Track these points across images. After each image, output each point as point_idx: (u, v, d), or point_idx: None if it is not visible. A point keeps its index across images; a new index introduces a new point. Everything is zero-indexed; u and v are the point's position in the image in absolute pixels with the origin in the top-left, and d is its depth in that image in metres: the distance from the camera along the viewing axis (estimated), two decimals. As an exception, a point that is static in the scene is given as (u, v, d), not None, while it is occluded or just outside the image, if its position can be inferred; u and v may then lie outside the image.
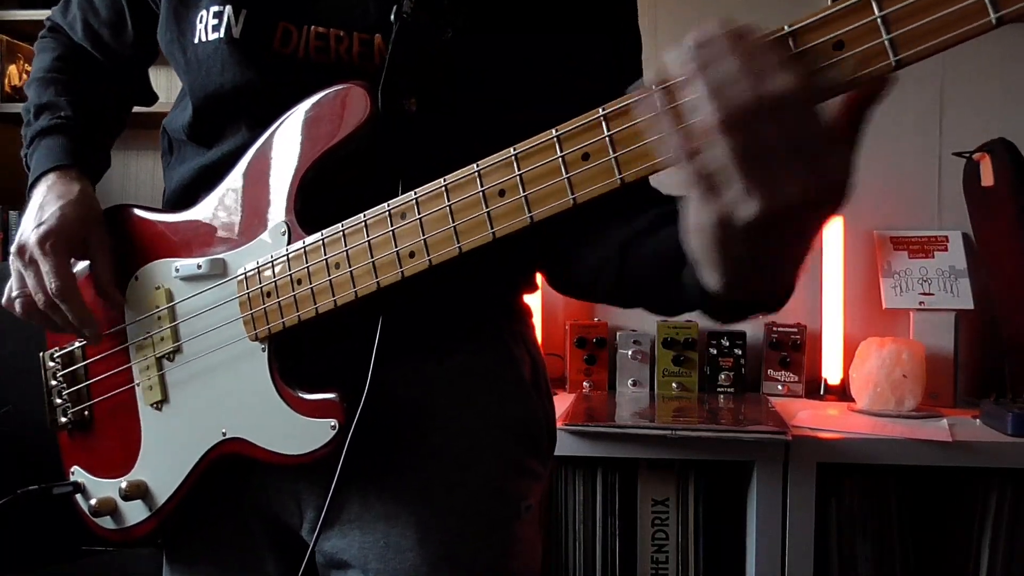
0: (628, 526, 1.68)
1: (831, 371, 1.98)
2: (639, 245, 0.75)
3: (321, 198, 0.76)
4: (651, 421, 1.65)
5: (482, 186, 0.66)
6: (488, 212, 0.66)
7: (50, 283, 0.82)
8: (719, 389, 1.98)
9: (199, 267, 0.81)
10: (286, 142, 0.77)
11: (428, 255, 0.69)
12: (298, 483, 0.82)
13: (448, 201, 0.67)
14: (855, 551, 1.63)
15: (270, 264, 0.77)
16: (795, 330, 1.97)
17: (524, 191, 0.64)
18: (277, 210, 0.77)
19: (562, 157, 0.62)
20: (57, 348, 0.95)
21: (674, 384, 1.97)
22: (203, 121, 0.84)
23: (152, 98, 1.08)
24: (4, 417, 1.43)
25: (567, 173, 0.62)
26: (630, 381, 1.99)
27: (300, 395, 0.76)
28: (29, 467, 1.45)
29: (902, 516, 1.63)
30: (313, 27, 0.77)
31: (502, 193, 0.65)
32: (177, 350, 0.84)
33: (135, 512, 0.87)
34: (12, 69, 2.40)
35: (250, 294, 0.78)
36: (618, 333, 2.01)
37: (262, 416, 0.78)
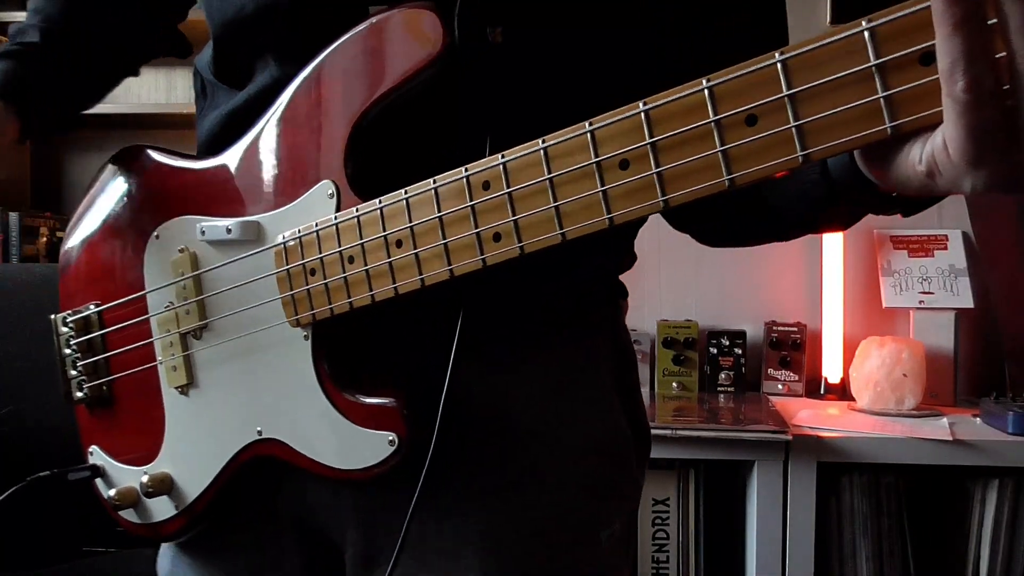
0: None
1: (831, 370, 1.98)
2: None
3: (379, 154, 0.62)
4: (651, 421, 1.64)
5: (597, 154, 0.50)
6: (604, 191, 0.50)
7: None
8: (719, 388, 1.98)
9: (228, 231, 0.67)
10: (333, 80, 0.62)
11: (519, 240, 0.54)
12: (345, 499, 0.69)
13: (548, 172, 0.52)
14: (855, 550, 1.63)
15: (315, 234, 0.62)
16: (795, 329, 1.97)
17: (657, 164, 0.49)
18: (323, 166, 0.63)
19: (718, 120, 0.46)
20: (70, 312, 0.81)
21: (674, 384, 1.97)
22: (225, 56, 0.72)
23: (184, 48, 0.91)
24: (5, 418, 1.43)
25: (723, 143, 0.46)
26: (630, 381, 1.99)
27: (351, 397, 0.63)
28: (31, 469, 1.45)
29: (902, 515, 1.63)
30: None
31: (624, 165, 0.50)
32: (205, 327, 0.70)
33: (161, 508, 0.76)
34: (12, 70, 2.39)
35: (290, 270, 0.64)
36: (618, 333, 2.01)
37: (305, 418, 0.65)
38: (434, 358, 0.61)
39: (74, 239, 0.81)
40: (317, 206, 0.63)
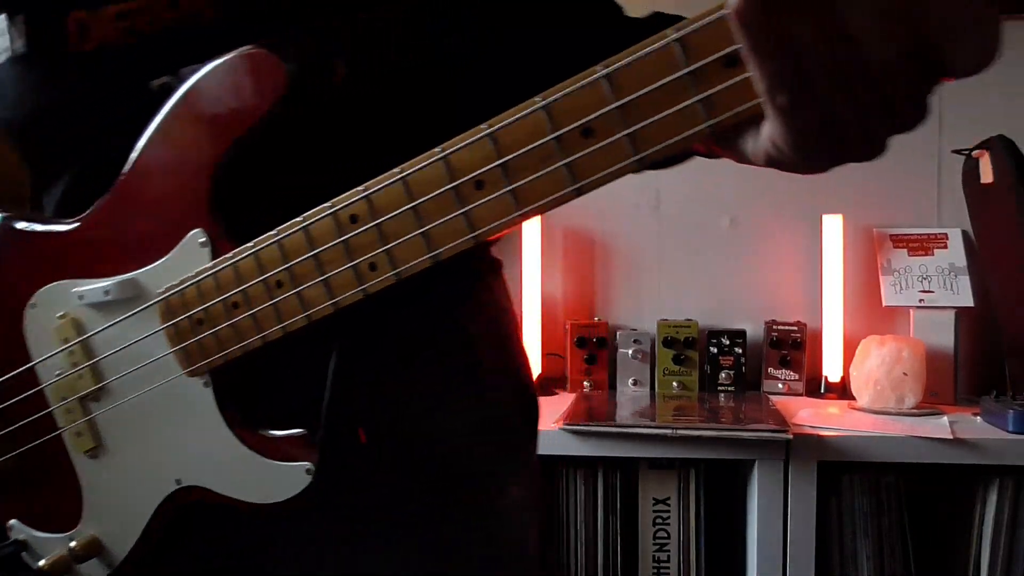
0: (629, 525, 1.68)
1: (831, 369, 1.98)
2: None
3: (244, 196, 0.63)
4: (652, 420, 1.65)
5: (453, 178, 0.54)
6: (466, 212, 0.54)
7: None
8: (719, 388, 1.98)
9: (106, 292, 0.67)
10: (186, 128, 0.63)
11: (394, 268, 0.57)
12: (277, 539, 0.71)
13: (411, 200, 0.55)
14: (856, 549, 1.63)
15: (195, 284, 0.63)
16: (795, 328, 1.97)
17: (510, 182, 0.52)
18: (192, 215, 0.63)
19: (557, 136, 0.50)
20: None
21: (674, 383, 1.97)
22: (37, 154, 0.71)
23: None
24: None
25: (567, 157, 0.50)
26: (630, 380, 1.99)
27: (262, 433, 0.64)
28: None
29: (903, 513, 1.63)
30: (111, 7, 0.62)
31: (480, 185, 0.53)
32: (102, 389, 0.70)
33: (93, 571, 0.74)
34: (11, 72, 2.39)
35: (178, 324, 0.65)
36: (618, 332, 2.01)
37: (221, 461, 0.65)
38: (334, 388, 0.64)
39: None
40: (192, 256, 0.64)
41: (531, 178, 0.52)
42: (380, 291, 0.58)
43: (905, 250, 1.99)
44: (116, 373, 0.69)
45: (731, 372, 1.98)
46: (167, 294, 0.65)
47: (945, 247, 1.97)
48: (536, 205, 0.52)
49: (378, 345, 0.68)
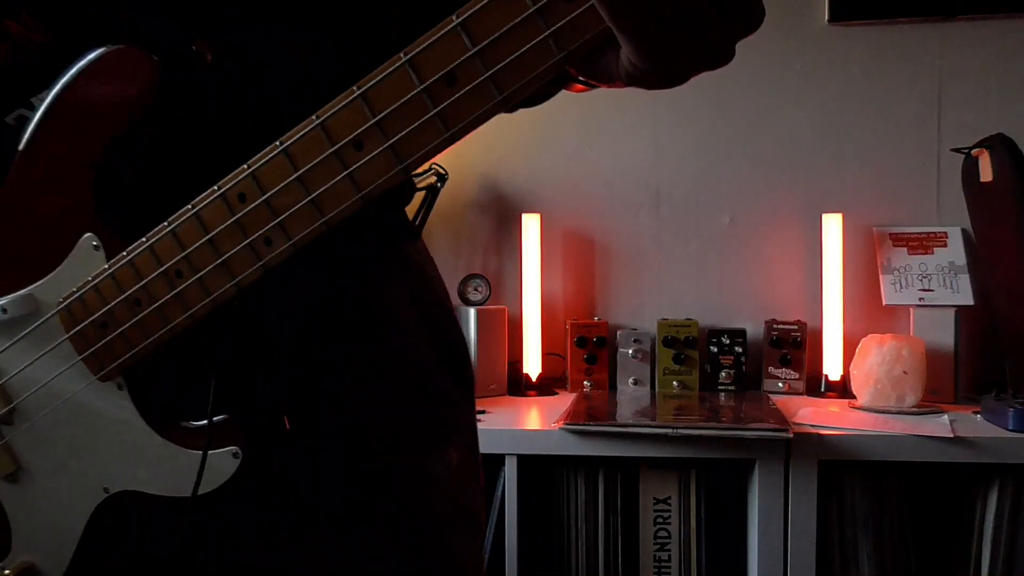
0: (630, 525, 1.68)
1: (832, 368, 1.98)
2: None
3: (128, 195, 0.62)
4: (652, 420, 1.65)
5: (332, 142, 0.55)
6: (349, 173, 0.55)
7: None
8: (720, 387, 1.98)
9: (4, 311, 0.65)
10: (59, 134, 0.61)
11: (289, 239, 0.57)
12: (211, 536, 0.70)
13: (295, 170, 0.56)
14: (857, 548, 1.63)
15: (94, 287, 0.63)
16: (795, 327, 1.97)
17: (387, 137, 0.54)
18: (80, 221, 0.62)
19: (425, 88, 0.52)
20: None
21: (675, 382, 1.97)
22: None
23: None
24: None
25: (436, 106, 0.52)
26: (631, 380, 1.99)
27: (184, 425, 0.64)
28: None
29: (904, 512, 1.63)
30: None
31: (359, 146, 0.54)
32: (12, 411, 0.68)
33: None
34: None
35: (83, 331, 0.64)
36: (618, 332, 2.01)
37: (147, 461, 0.64)
38: (254, 368, 0.64)
39: None
40: (87, 261, 0.63)
41: (407, 131, 0.53)
42: (280, 264, 0.58)
43: (905, 249, 1.99)
44: (26, 391, 0.67)
45: (731, 371, 1.98)
46: (66, 302, 0.64)
47: (945, 246, 1.97)
48: (416, 156, 0.54)
49: (290, 320, 0.67)
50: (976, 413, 1.72)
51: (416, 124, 0.53)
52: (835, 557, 1.63)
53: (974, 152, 1.86)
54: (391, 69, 0.53)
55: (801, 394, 1.96)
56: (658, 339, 1.98)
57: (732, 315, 2.07)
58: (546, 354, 2.06)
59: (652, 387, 2.00)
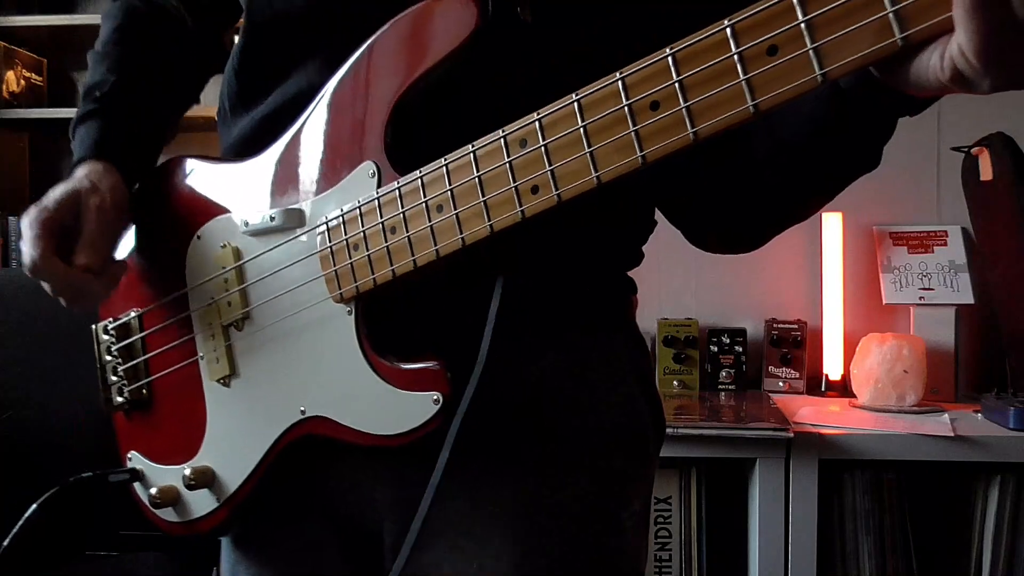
0: (631, 524, 1.68)
1: (832, 367, 1.98)
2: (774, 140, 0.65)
3: (420, 133, 0.65)
4: (653, 419, 1.65)
5: (627, 98, 0.53)
6: (636, 130, 0.53)
7: (26, 259, 0.73)
8: (720, 387, 1.98)
9: (272, 219, 0.69)
10: (374, 68, 0.65)
11: (556, 188, 0.56)
12: (384, 491, 0.72)
13: (582, 120, 0.55)
14: (857, 546, 1.63)
15: (357, 211, 0.65)
16: (795, 327, 1.97)
17: (686, 100, 0.52)
18: (364, 149, 0.65)
19: (739, 53, 0.50)
20: (110, 319, 0.84)
21: (675, 382, 1.97)
22: (262, 53, 0.74)
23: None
24: (5, 422, 1.43)
25: (746, 73, 0.50)
26: (631, 379, 1.99)
27: (395, 364, 0.64)
28: (32, 474, 1.45)
29: (904, 511, 1.63)
30: None
31: (655, 106, 0.52)
32: (246, 316, 0.72)
33: (202, 502, 0.77)
34: (10, 75, 2.39)
35: (333, 247, 0.66)
36: (619, 332, 2.01)
37: (348, 391, 0.66)
38: (471, 331, 0.63)
39: None
40: (360, 186, 0.65)
41: (707, 95, 0.51)
42: (538, 214, 0.58)
43: (905, 248, 1.99)
44: (263, 299, 0.71)
45: (732, 371, 1.98)
46: (329, 220, 0.67)
47: (945, 244, 1.97)
48: (710, 123, 0.51)
49: (521, 317, 0.65)
50: (976, 412, 1.72)
51: (721, 89, 0.50)
52: (836, 556, 1.63)
53: (974, 151, 1.86)
54: (710, 32, 0.50)
55: (801, 393, 1.96)
56: (658, 338, 1.98)
57: (732, 314, 2.07)
58: (546, 354, 2.06)
59: (652, 387, 2.00)
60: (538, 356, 0.71)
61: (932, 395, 1.85)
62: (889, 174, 2.02)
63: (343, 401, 0.67)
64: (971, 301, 1.92)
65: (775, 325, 1.99)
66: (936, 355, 1.87)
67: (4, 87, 2.37)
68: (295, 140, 0.70)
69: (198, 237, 0.76)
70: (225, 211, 0.75)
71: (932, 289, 1.95)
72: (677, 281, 2.09)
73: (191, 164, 0.79)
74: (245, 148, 0.74)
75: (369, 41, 0.65)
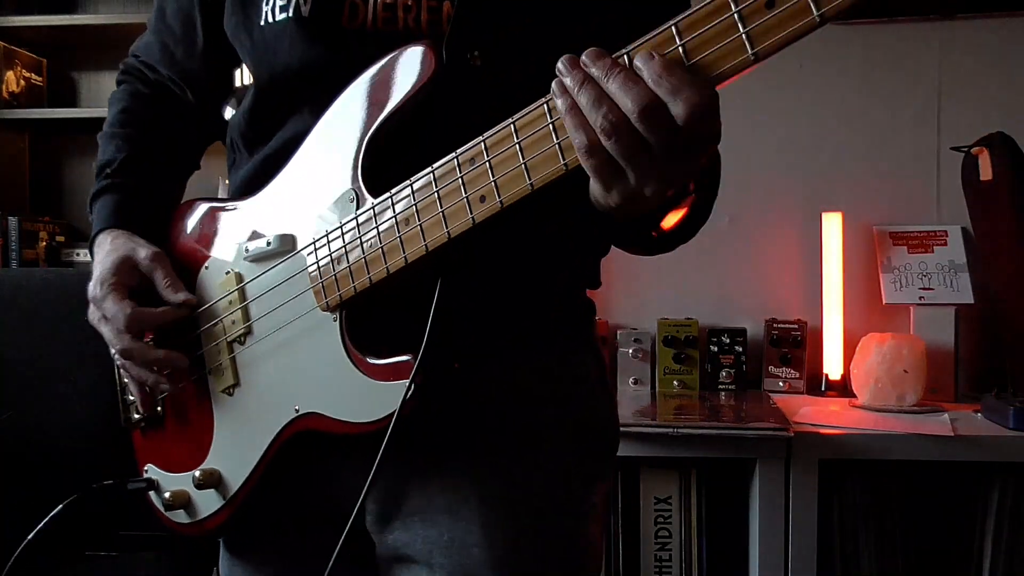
0: (631, 524, 1.68)
1: (832, 367, 1.98)
2: None
3: (389, 162, 0.76)
4: (653, 419, 1.65)
5: (551, 118, 0.64)
6: (559, 143, 0.64)
7: (114, 318, 0.83)
8: (720, 386, 1.98)
9: (268, 244, 0.81)
10: (350, 111, 0.77)
11: (499, 196, 0.67)
12: (360, 477, 0.79)
13: (517, 139, 0.66)
14: (858, 547, 1.63)
15: (339, 231, 0.76)
16: (795, 327, 1.98)
17: (688, 59, 0.60)
18: (343, 178, 0.77)
19: (738, 12, 0.58)
20: None
21: (675, 382, 1.98)
22: (265, 106, 0.85)
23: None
24: (6, 422, 1.43)
25: (746, 27, 0.58)
26: (631, 379, 1.99)
27: (372, 360, 0.75)
28: (31, 472, 1.45)
29: (904, 511, 1.63)
30: None
31: None
32: (248, 331, 0.83)
33: (208, 503, 0.87)
34: (10, 75, 2.40)
35: (320, 263, 0.77)
36: (619, 331, 2.01)
37: (335, 387, 0.76)
38: (436, 331, 0.73)
39: None
40: (342, 210, 0.77)
41: (709, 51, 0.58)
42: (488, 220, 0.68)
43: (905, 247, 1.99)
44: (262, 314, 0.82)
45: (732, 370, 1.98)
46: (315, 241, 0.78)
47: (945, 244, 1.97)
48: (712, 76, 0.59)
49: (489, 325, 0.79)
50: (976, 411, 1.72)
51: (720, 44, 0.57)
52: (836, 556, 1.63)
53: (974, 151, 1.86)
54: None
55: (801, 393, 1.96)
56: (658, 338, 1.98)
57: (732, 314, 2.07)
58: (546, 354, 2.06)
59: (652, 387, 2.00)
60: (507, 355, 0.81)
61: (932, 395, 1.85)
62: (889, 174, 2.03)
63: (331, 397, 0.77)
64: (971, 301, 1.92)
65: (775, 325, 1.99)
66: (936, 355, 1.87)
67: (4, 87, 2.37)
68: (287, 176, 0.82)
69: (206, 267, 0.88)
70: (229, 243, 0.86)
71: (932, 289, 1.95)
72: (677, 281, 2.09)
73: (199, 205, 0.91)
74: (249, 186, 0.86)
75: (346, 90, 0.77)
